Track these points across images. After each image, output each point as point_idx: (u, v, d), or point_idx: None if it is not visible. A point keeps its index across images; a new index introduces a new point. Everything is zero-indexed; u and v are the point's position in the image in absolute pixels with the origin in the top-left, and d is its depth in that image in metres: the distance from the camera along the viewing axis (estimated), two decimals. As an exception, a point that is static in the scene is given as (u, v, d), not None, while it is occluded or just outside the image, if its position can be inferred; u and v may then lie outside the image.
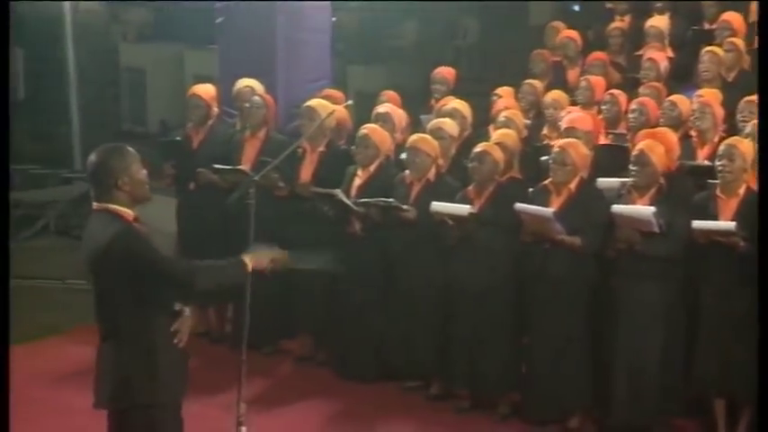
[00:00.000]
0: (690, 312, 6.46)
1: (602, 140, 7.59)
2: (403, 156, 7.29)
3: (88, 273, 4.46)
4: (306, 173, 7.67)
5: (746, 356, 5.94)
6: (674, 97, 7.55)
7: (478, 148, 6.89)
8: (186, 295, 4.56)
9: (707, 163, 6.80)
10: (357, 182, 7.38)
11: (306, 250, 6.74)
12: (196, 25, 12.46)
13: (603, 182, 6.82)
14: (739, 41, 8.39)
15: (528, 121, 8.15)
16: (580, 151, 6.65)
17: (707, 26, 9.43)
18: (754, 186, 6.25)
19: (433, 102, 8.78)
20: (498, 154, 6.86)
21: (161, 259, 4.38)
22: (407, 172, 7.22)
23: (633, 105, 7.56)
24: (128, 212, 4.43)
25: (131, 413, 4.44)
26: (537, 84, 8.72)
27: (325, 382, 7.45)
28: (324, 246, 7.34)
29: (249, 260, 4.59)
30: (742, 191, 6.29)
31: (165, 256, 4.44)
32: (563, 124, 7.25)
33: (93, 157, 4.46)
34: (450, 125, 7.57)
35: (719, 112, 7.17)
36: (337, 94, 8.56)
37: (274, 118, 8.17)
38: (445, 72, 9.12)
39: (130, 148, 4.52)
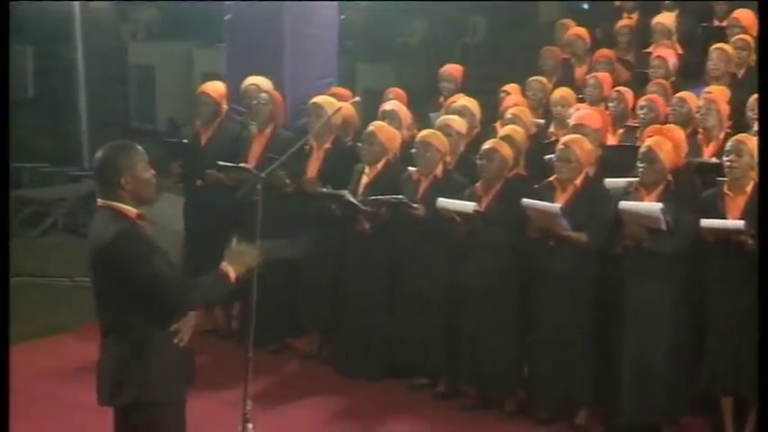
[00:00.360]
0: (696, 310, 6.43)
1: (611, 137, 7.60)
2: (413, 151, 7.29)
3: (89, 269, 4.45)
4: (312, 170, 7.68)
5: (754, 355, 5.91)
6: (682, 94, 7.53)
7: (487, 146, 6.88)
8: (173, 310, 4.47)
9: (714, 160, 6.77)
10: (365, 180, 7.37)
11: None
12: (205, 23, 12.47)
13: (610, 182, 6.81)
14: (749, 38, 8.36)
15: (541, 121, 8.16)
16: (584, 147, 6.64)
17: (717, 23, 9.42)
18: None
19: (441, 99, 8.78)
20: (507, 151, 6.85)
21: (153, 270, 4.30)
22: (415, 168, 7.22)
23: (642, 102, 7.55)
24: (131, 210, 4.39)
25: (132, 411, 4.43)
26: (545, 81, 8.72)
27: (331, 380, 7.44)
28: (323, 242, 7.38)
29: (231, 270, 4.48)
30: (749, 188, 6.26)
31: (160, 267, 4.33)
32: (571, 121, 7.24)
33: (98, 154, 4.44)
34: (458, 122, 7.58)
35: (725, 108, 7.15)
36: (344, 92, 8.55)
37: (283, 115, 8.17)
38: (453, 69, 9.12)
39: (139, 147, 4.48)
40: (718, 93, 7.31)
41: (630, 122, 7.76)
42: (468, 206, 6.75)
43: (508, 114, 7.71)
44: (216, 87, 8.27)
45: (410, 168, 7.26)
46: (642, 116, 7.47)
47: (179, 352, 4.49)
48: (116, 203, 4.39)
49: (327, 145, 7.72)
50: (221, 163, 7.74)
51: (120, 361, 4.40)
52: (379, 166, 7.37)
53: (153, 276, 4.30)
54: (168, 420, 4.50)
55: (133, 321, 4.38)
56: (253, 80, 8.34)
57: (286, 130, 8.08)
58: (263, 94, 8.05)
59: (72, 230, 11.15)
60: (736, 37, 8.44)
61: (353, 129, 8.04)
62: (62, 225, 11.38)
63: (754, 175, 6.27)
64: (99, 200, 4.45)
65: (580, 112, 7.36)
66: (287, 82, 8.72)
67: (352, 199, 7.20)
